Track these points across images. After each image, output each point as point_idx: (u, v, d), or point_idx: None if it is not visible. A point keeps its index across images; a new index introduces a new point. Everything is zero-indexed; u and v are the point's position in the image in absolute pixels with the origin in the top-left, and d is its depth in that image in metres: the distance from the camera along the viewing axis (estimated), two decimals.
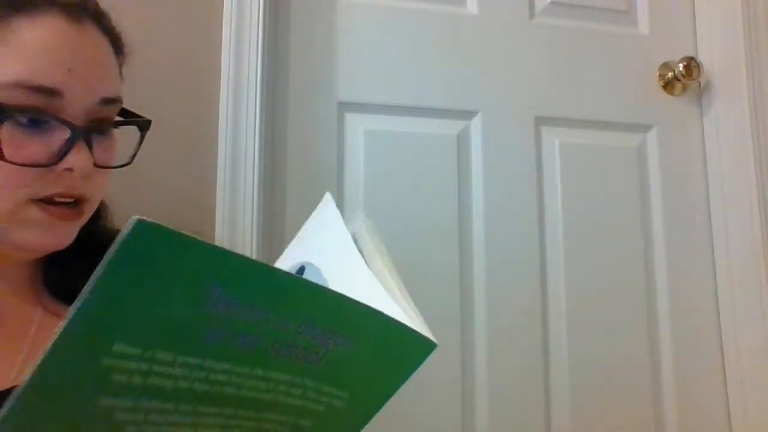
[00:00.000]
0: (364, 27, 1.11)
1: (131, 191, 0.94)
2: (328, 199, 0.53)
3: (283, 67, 1.07)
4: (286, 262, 0.53)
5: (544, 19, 1.20)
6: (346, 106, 1.09)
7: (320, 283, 0.44)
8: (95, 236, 0.61)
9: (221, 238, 0.94)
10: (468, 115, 1.14)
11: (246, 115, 0.97)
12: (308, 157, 1.06)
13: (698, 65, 1.19)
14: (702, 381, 1.16)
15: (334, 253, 0.48)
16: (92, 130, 0.54)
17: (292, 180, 1.04)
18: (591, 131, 1.19)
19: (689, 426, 1.14)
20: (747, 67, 1.18)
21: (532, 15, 1.19)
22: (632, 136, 1.21)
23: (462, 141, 1.12)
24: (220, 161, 0.96)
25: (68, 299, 0.59)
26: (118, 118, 0.59)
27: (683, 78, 1.20)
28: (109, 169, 0.57)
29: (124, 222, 0.34)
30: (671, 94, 1.23)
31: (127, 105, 0.61)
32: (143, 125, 0.61)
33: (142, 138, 0.61)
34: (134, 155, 0.60)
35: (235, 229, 0.94)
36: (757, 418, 1.12)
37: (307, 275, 0.48)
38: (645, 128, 1.21)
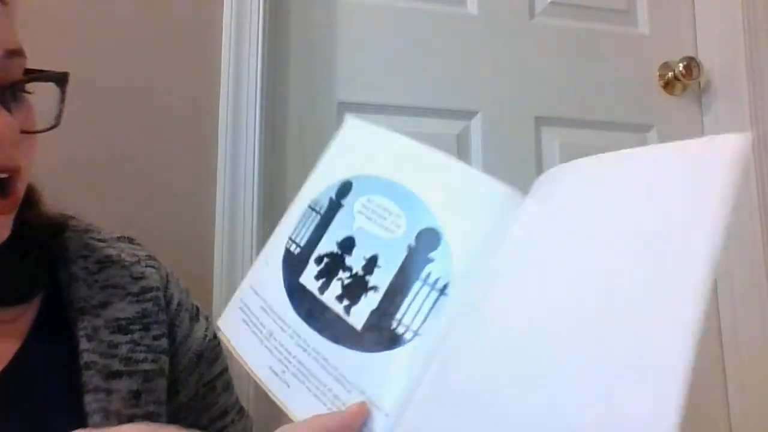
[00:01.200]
0: (364, 27, 1.11)
1: (130, 192, 0.94)
2: (352, 123, 0.54)
3: (283, 67, 1.07)
4: (317, 188, 0.52)
5: (544, 19, 1.20)
6: (346, 106, 1.09)
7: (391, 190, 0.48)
8: (30, 226, 0.52)
9: (221, 237, 0.94)
10: (468, 115, 1.14)
11: (246, 115, 0.97)
12: (308, 157, 1.05)
13: (698, 65, 1.19)
14: (702, 381, 1.16)
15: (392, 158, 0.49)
16: (5, 90, 0.46)
17: (292, 180, 1.04)
18: (591, 131, 1.19)
19: (689, 426, 1.14)
20: (747, 67, 1.18)
21: (532, 15, 1.19)
22: (632, 136, 1.21)
23: (462, 141, 1.12)
24: (220, 161, 0.96)
25: (4, 301, 0.51)
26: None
27: (683, 78, 1.20)
28: (35, 136, 0.49)
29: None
30: (671, 94, 1.23)
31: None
32: (60, 78, 0.51)
33: (63, 94, 0.51)
34: (59, 115, 0.51)
35: (235, 228, 0.94)
36: (757, 418, 1.12)
37: (359, 188, 0.49)
38: (645, 128, 1.21)
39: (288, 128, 1.06)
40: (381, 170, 0.48)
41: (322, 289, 0.45)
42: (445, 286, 0.41)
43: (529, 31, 1.18)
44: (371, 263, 0.44)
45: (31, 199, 0.53)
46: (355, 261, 0.45)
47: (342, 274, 0.45)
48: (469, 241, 0.42)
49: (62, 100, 0.51)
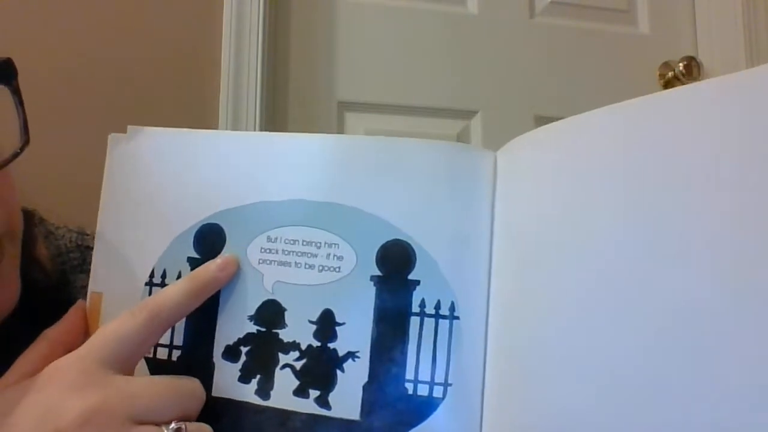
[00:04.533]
0: (364, 27, 1.11)
1: None
2: (134, 135, 0.36)
3: (283, 67, 1.07)
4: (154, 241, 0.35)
5: (544, 19, 1.20)
6: (346, 106, 1.09)
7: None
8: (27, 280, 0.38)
9: None
10: (468, 115, 1.14)
11: (246, 115, 0.97)
12: None
13: (698, 65, 1.19)
14: None
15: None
16: None
17: None
18: None
19: None
20: (747, 67, 1.17)
21: (532, 15, 1.19)
22: None
23: (462, 141, 1.12)
24: None
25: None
26: None
27: (683, 78, 1.20)
28: (4, 169, 0.35)
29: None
30: None
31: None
32: (4, 72, 0.35)
33: (17, 95, 0.35)
34: (25, 127, 0.35)
35: None
36: None
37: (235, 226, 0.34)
38: None
39: (288, 128, 1.06)
40: (263, 189, 0.34)
41: (264, 391, 0.32)
42: (452, 308, 0.31)
43: (529, 31, 1.18)
44: (327, 324, 0.32)
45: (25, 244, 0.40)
46: (297, 331, 0.32)
47: (285, 358, 0.32)
48: (449, 236, 0.32)
49: (20, 103, 0.36)
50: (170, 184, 0.35)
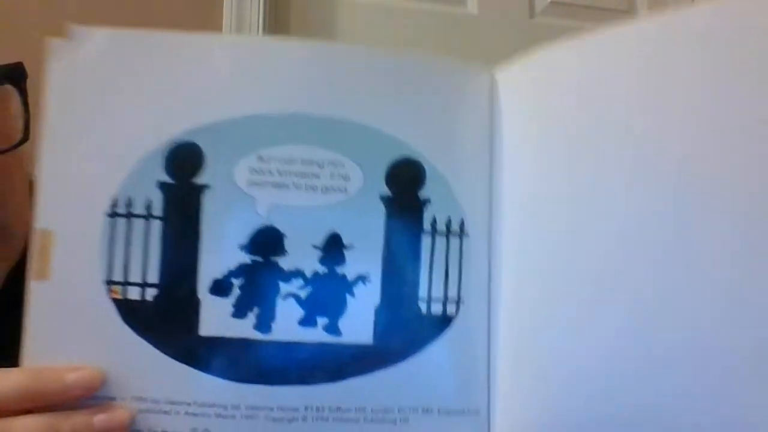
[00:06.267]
0: (364, 27, 1.11)
1: None
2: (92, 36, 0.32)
3: None
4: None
5: (544, 19, 1.20)
6: None
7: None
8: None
9: None
10: None
11: None
12: None
13: None
14: None
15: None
16: None
17: None
18: None
19: None
20: None
21: (532, 15, 1.19)
22: None
23: None
24: None
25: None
26: None
27: None
28: (5, 158, 0.36)
29: None
30: None
31: None
32: (15, 74, 0.37)
33: (24, 98, 0.37)
34: (27, 124, 0.37)
35: None
36: None
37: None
38: None
39: None
40: (252, 100, 0.30)
41: (264, 325, 0.29)
42: (461, 225, 0.31)
43: (529, 31, 1.18)
44: (334, 248, 0.29)
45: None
46: (300, 258, 0.29)
47: (287, 287, 0.29)
48: (455, 152, 0.31)
49: (25, 104, 0.37)
50: (131, 96, 0.29)
